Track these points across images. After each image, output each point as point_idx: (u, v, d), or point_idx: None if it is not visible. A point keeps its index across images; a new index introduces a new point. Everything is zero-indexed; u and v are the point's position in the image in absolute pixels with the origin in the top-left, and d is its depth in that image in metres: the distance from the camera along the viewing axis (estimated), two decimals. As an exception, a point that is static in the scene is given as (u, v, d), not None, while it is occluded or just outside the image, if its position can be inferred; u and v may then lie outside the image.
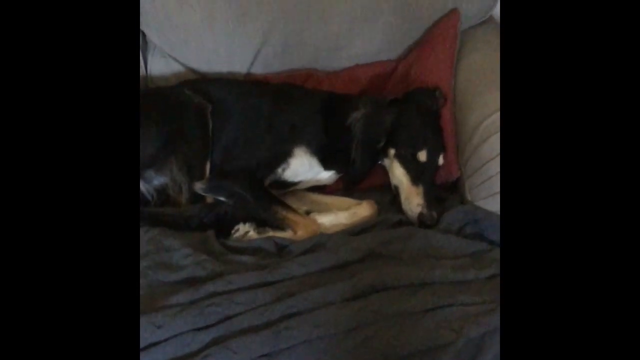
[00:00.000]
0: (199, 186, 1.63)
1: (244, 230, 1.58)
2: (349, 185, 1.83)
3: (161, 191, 1.65)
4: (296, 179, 1.76)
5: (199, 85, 1.84)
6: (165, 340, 1.19)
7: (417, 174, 1.64)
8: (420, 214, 1.59)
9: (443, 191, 1.76)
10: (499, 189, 1.51)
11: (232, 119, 1.75)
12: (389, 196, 1.76)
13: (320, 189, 1.86)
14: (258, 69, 2.03)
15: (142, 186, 1.63)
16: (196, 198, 1.65)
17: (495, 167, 1.52)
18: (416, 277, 1.29)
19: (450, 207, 1.62)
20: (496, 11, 2.07)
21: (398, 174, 1.68)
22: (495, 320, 1.17)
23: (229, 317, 1.22)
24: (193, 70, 2.05)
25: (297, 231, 1.56)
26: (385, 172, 1.76)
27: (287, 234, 1.57)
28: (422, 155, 1.64)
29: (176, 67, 2.05)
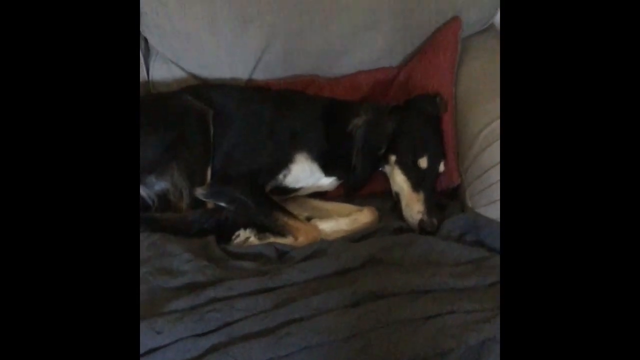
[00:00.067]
0: (200, 192, 1.63)
1: (245, 236, 1.58)
2: (349, 192, 1.83)
3: (162, 196, 1.65)
4: (297, 185, 1.76)
5: (201, 91, 1.84)
6: (166, 346, 1.18)
7: (417, 180, 1.65)
8: (421, 221, 1.59)
9: (444, 198, 1.76)
10: (499, 197, 1.51)
11: (234, 124, 1.75)
12: (389, 203, 1.77)
13: (321, 195, 1.86)
14: (260, 75, 2.03)
15: (143, 191, 1.63)
16: (197, 203, 1.65)
17: (495, 174, 1.52)
18: (417, 284, 1.29)
19: (450, 214, 1.62)
20: (497, 19, 2.08)
21: (399, 180, 1.68)
22: (495, 327, 1.17)
23: (229, 323, 1.22)
24: (195, 76, 2.06)
25: (298, 237, 1.56)
26: (386, 179, 1.77)
27: (287, 240, 1.57)
28: (423, 162, 1.65)
29: (178, 73, 2.05)
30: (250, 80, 2.05)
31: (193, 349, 1.18)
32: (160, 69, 2.06)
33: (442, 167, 1.69)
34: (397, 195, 1.70)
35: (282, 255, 1.49)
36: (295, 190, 1.78)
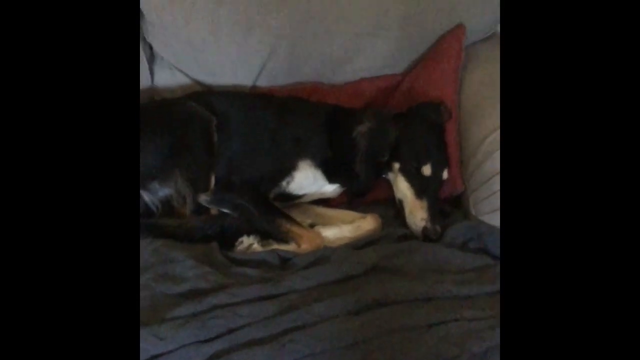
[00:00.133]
0: (203, 198, 1.63)
1: (248, 243, 1.58)
2: (353, 199, 1.83)
3: (166, 203, 1.64)
4: (300, 192, 1.76)
5: (204, 97, 1.84)
6: (169, 352, 1.18)
7: (421, 188, 1.65)
8: (424, 228, 1.59)
9: (447, 205, 1.76)
10: (503, 204, 1.51)
11: (237, 131, 1.75)
12: (393, 210, 1.76)
13: (325, 202, 1.86)
14: (263, 82, 2.04)
15: (147, 197, 1.63)
16: (201, 210, 1.65)
17: (499, 182, 1.52)
18: (420, 291, 1.29)
19: (454, 221, 1.62)
20: (501, 26, 2.08)
21: (402, 187, 1.68)
22: (498, 335, 1.17)
23: (232, 330, 1.21)
24: (199, 83, 2.06)
25: (301, 244, 1.56)
26: (389, 186, 1.77)
27: (291, 247, 1.56)
28: (427, 170, 1.65)
29: (182, 79, 2.06)
30: (254, 87, 2.05)
31: (196, 355, 1.18)
32: (164, 75, 2.06)
33: (445, 175, 1.69)
34: (401, 202, 1.70)
35: (285, 262, 1.49)
36: (298, 197, 1.78)
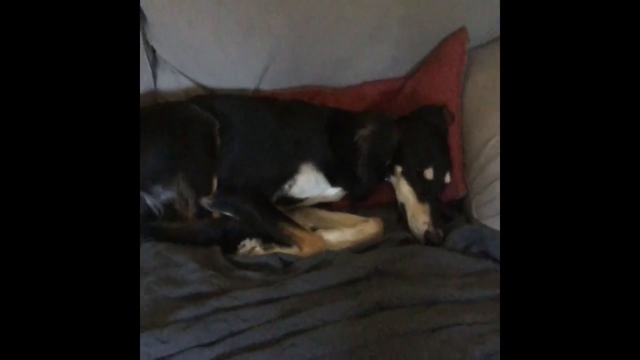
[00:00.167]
0: (205, 201, 1.63)
1: (250, 246, 1.58)
2: (355, 202, 1.83)
3: (168, 206, 1.65)
4: (303, 196, 1.76)
5: (207, 101, 1.85)
6: (171, 355, 1.18)
7: (423, 191, 1.65)
8: (427, 232, 1.59)
9: (449, 209, 1.76)
10: (505, 208, 1.51)
11: (239, 135, 1.76)
12: (395, 214, 1.76)
13: (327, 205, 1.86)
14: (266, 86, 2.04)
15: (150, 201, 1.63)
16: (203, 213, 1.65)
17: (501, 186, 1.52)
18: (422, 295, 1.29)
19: (456, 225, 1.62)
20: (503, 30, 2.08)
21: (404, 191, 1.68)
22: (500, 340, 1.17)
23: (234, 333, 1.21)
24: (202, 86, 2.07)
25: (303, 248, 1.56)
26: (391, 190, 1.76)
27: (293, 251, 1.57)
28: (429, 173, 1.65)
29: (185, 83, 2.06)
30: (256, 91, 2.06)
31: (198, 358, 1.18)
32: (167, 78, 2.07)
33: (448, 178, 1.69)
34: (403, 206, 1.70)
35: (287, 266, 1.49)
36: (300, 200, 1.78)
